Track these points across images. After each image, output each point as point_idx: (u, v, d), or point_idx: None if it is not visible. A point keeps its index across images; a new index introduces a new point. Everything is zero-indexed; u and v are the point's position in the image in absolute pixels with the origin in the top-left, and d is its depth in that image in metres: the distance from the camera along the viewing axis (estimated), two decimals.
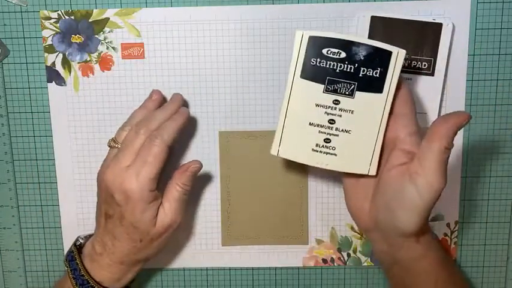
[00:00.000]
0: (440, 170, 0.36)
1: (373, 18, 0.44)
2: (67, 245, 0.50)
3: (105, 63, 0.46)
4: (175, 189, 0.43)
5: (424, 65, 0.45)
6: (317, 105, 0.39)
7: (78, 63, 0.46)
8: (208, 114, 0.47)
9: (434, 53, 0.45)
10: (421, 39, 0.44)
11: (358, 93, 0.38)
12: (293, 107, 0.39)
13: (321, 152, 0.40)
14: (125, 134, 0.43)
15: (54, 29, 0.46)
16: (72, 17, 0.45)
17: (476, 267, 0.50)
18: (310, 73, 0.38)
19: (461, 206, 0.48)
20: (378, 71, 0.38)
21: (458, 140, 0.47)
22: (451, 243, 0.49)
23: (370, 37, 0.44)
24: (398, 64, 0.38)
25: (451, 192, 0.48)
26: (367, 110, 0.39)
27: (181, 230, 0.49)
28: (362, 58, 0.38)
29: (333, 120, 0.39)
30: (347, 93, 0.38)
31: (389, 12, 0.44)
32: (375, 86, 0.38)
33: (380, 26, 0.44)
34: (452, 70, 0.46)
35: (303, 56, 0.38)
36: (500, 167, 0.48)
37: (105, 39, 0.46)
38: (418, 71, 0.45)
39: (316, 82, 0.38)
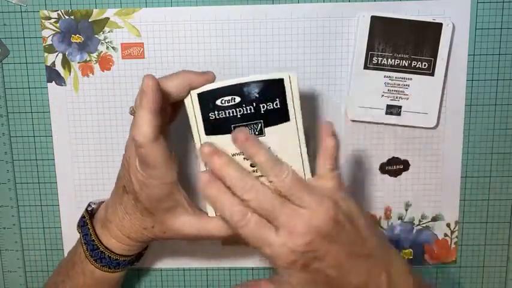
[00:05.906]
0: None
1: (373, 18, 0.44)
2: (67, 245, 0.50)
3: (105, 63, 0.46)
4: None
5: (424, 65, 0.45)
6: (233, 154, 0.37)
7: (78, 63, 0.46)
8: None
9: (434, 53, 0.45)
10: (421, 39, 0.44)
11: (267, 129, 0.37)
12: None
13: None
14: None
15: (54, 28, 0.46)
16: (72, 17, 0.45)
17: (476, 267, 0.50)
18: (214, 127, 0.37)
19: (461, 206, 0.48)
20: (277, 101, 0.37)
21: (459, 140, 0.47)
22: (451, 243, 0.49)
23: (370, 37, 0.44)
24: (294, 87, 0.37)
25: (451, 192, 0.48)
26: (283, 141, 0.38)
27: None
28: (257, 95, 0.36)
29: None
30: (257, 133, 0.37)
31: (389, 12, 0.44)
32: (280, 116, 0.37)
33: (380, 26, 0.44)
34: (452, 70, 0.46)
35: (200, 114, 0.37)
36: (500, 167, 0.48)
37: (105, 39, 0.46)
38: (418, 71, 0.45)
39: (223, 134, 0.37)
